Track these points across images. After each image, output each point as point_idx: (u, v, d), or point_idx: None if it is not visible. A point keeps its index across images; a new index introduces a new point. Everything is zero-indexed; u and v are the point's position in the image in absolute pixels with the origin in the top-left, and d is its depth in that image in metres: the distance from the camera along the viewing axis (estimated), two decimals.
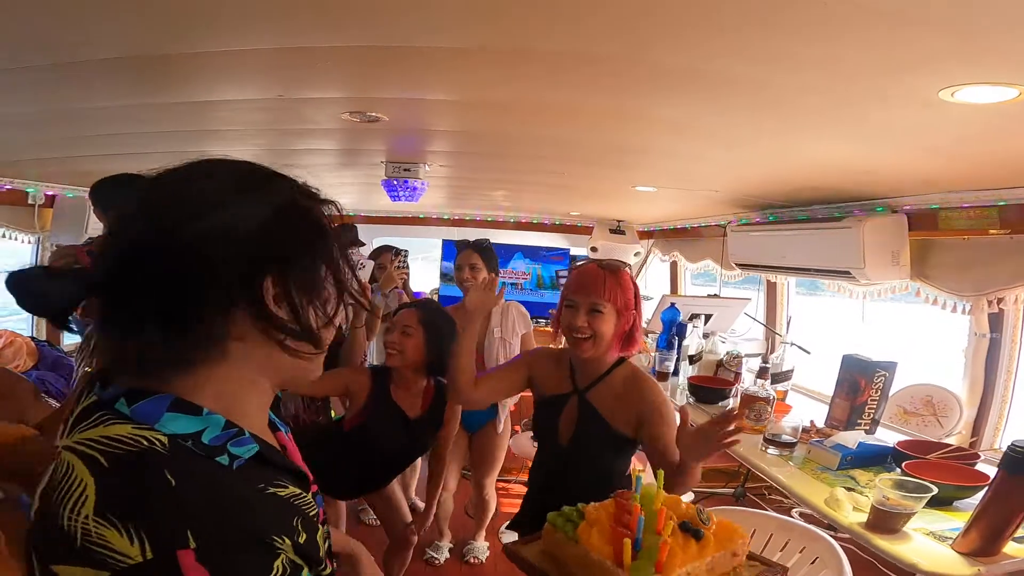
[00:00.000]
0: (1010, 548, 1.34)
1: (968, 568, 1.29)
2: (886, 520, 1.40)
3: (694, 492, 3.51)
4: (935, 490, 1.41)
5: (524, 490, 3.14)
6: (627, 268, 1.60)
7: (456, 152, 2.64)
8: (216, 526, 0.50)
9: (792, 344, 2.82)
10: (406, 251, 2.88)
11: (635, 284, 1.56)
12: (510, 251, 5.23)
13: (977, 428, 2.23)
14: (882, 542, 1.37)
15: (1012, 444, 1.28)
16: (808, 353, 2.85)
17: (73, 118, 1.91)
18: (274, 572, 0.52)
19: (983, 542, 1.31)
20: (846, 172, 2.12)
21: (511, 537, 3.01)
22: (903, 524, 1.40)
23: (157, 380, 0.56)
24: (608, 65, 1.29)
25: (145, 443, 0.51)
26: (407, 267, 2.86)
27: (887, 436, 2.02)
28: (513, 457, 3.24)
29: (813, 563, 1.47)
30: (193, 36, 1.23)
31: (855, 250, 2.37)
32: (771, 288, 3.48)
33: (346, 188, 3.93)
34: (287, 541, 0.54)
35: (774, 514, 1.67)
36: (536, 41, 1.18)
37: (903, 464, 1.67)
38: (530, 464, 3.42)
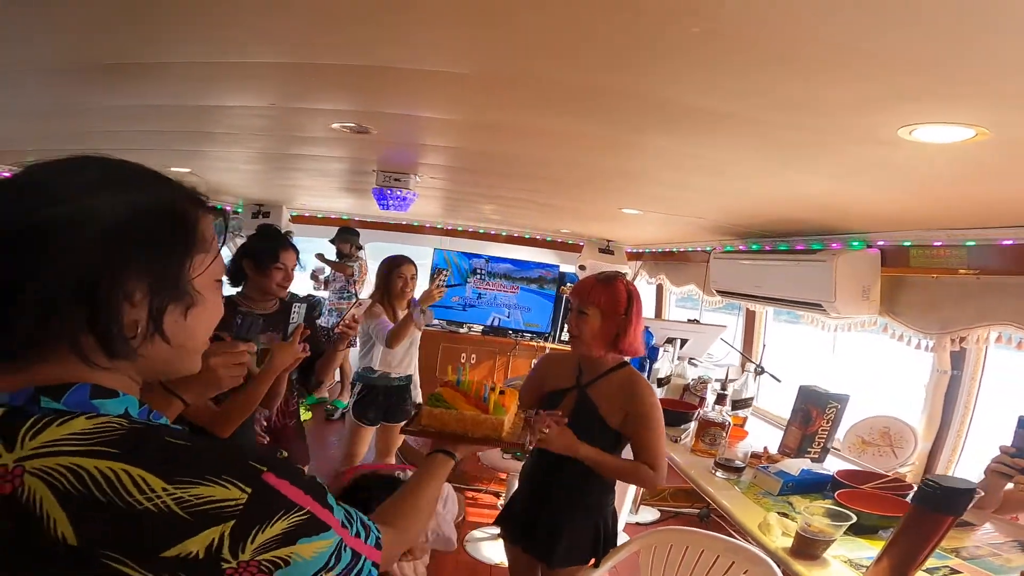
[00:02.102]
0: None
1: None
2: (808, 546, 1.44)
3: (660, 511, 3.56)
4: (853, 518, 1.45)
5: (493, 500, 3.18)
6: (622, 278, 1.77)
7: (447, 166, 2.70)
8: (256, 453, 0.58)
9: (761, 371, 2.87)
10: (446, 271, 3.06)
11: (631, 292, 1.72)
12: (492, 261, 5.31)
13: (931, 461, 2.27)
14: (800, 567, 1.41)
15: (925, 479, 1.31)
16: (779, 381, 2.91)
17: (77, 114, 1.97)
18: (303, 470, 0.62)
19: (892, 572, 1.33)
20: (822, 206, 2.18)
21: (488, 535, 3.04)
22: (823, 551, 1.44)
23: (54, 374, 0.56)
24: (599, 96, 1.36)
25: (117, 425, 0.55)
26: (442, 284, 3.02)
27: (838, 465, 2.07)
28: (483, 468, 3.29)
29: None
30: (194, 48, 1.29)
31: (827, 283, 2.43)
32: (750, 316, 3.55)
33: (340, 193, 4.00)
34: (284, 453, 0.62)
35: (721, 536, 1.71)
36: (529, 71, 1.25)
37: (836, 493, 1.72)
38: (501, 476, 3.49)
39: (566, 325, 1.75)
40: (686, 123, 1.46)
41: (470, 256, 5.25)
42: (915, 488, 1.33)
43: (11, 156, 2.96)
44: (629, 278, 5.25)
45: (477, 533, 3.16)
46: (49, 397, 0.55)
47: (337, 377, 5.29)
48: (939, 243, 2.19)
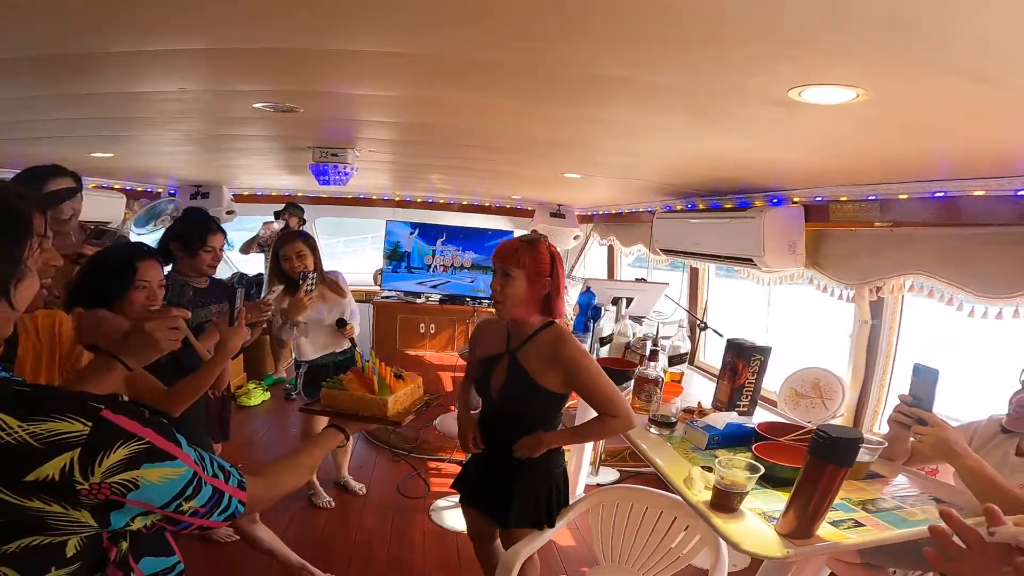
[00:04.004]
0: (824, 531, 1.38)
1: (781, 549, 1.33)
2: (724, 499, 1.47)
3: (619, 471, 3.72)
4: (762, 470, 1.48)
5: (456, 468, 3.29)
6: (545, 240, 1.76)
7: (388, 140, 2.67)
8: (92, 395, 0.71)
9: (704, 326, 3.00)
10: (314, 274, 2.76)
11: (553, 254, 1.74)
12: (438, 231, 5.29)
13: (858, 412, 2.41)
14: (717, 520, 1.44)
15: (817, 428, 1.31)
16: (721, 336, 3.05)
17: None
18: (145, 412, 0.75)
19: (798, 523, 1.35)
20: (741, 164, 2.25)
21: (452, 504, 3.13)
22: (739, 503, 1.47)
23: None
24: (517, 71, 1.38)
25: None
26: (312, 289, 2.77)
27: (767, 419, 2.12)
28: (443, 438, 3.36)
29: (695, 541, 1.61)
30: (106, 38, 1.25)
31: (756, 239, 2.54)
32: (693, 273, 3.68)
33: (281, 170, 3.90)
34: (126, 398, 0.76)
35: (665, 493, 1.79)
36: (454, 50, 1.26)
37: (754, 446, 1.76)
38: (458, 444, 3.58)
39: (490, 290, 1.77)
40: (595, 91, 1.49)
41: (424, 231, 5.21)
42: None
43: None
44: (581, 240, 5.32)
45: (441, 502, 3.25)
46: None
47: (293, 355, 5.26)
48: (854, 199, 2.30)
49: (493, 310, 1.80)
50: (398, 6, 1.03)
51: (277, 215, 4.74)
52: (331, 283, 2.97)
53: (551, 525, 1.80)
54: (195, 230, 2.22)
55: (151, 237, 3.52)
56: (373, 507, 3.22)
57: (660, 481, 3.40)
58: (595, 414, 1.75)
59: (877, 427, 2.44)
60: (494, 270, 1.75)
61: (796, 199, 2.57)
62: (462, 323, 5.51)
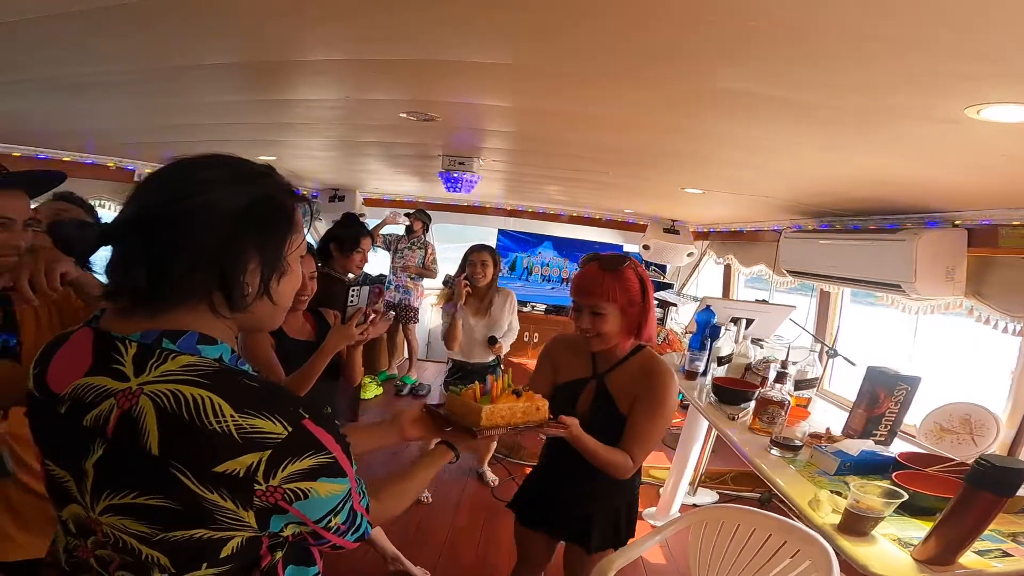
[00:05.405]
0: (967, 559, 1.34)
1: (917, 575, 1.30)
2: (855, 522, 1.42)
3: (719, 494, 3.53)
4: (904, 496, 1.42)
5: None
6: (629, 261, 1.58)
7: (509, 149, 2.77)
8: (304, 402, 0.71)
9: (834, 353, 2.77)
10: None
11: (642, 278, 1.57)
12: (541, 239, 5.34)
13: (1013, 450, 2.14)
14: (844, 542, 1.40)
15: (979, 458, 1.27)
16: (853, 364, 2.80)
17: (174, 110, 2.18)
18: (339, 427, 0.74)
19: (940, 551, 1.32)
20: (899, 185, 2.09)
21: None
22: (872, 528, 1.42)
23: (174, 322, 0.70)
24: (655, 84, 1.38)
25: (210, 365, 0.69)
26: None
27: (907, 449, 1.97)
28: (541, 443, 3.36)
29: (804, 566, 1.51)
30: (284, 48, 1.42)
31: (906, 263, 2.31)
32: (824, 297, 3.41)
33: (408, 177, 4.15)
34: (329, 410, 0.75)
35: (775, 516, 1.70)
36: (583, 62, 1.29)
37: (894, 474, 1.67)
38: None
39: (576, 323, 1.60)
40: (743, 109, 1.46)
41: (531, 244, 5.29)
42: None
43: (118, 151, 3.29)
44: (696, 257, 5.13)
45: None
46: (168, 339, 0.69)
47: (405, 354, 5.53)
48: None
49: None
50: (565, 27, 1.06)
51: (408, 216, 5.07)
52: (490, 302, 3.15)
53: (623, 543, 1.70)
54: (350, 234, 2.59)
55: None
56: (467, 507, 3.30)
57: (762, 506, 3.22)
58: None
59: None
60: (576, 306, 1.57)
61: (958, 222, 2.31)
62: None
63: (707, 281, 5.38)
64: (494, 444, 3.57)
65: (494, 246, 5.26)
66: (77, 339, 0.73)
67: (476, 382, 1.29)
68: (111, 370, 0.68)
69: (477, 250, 3.10)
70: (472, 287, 3.05)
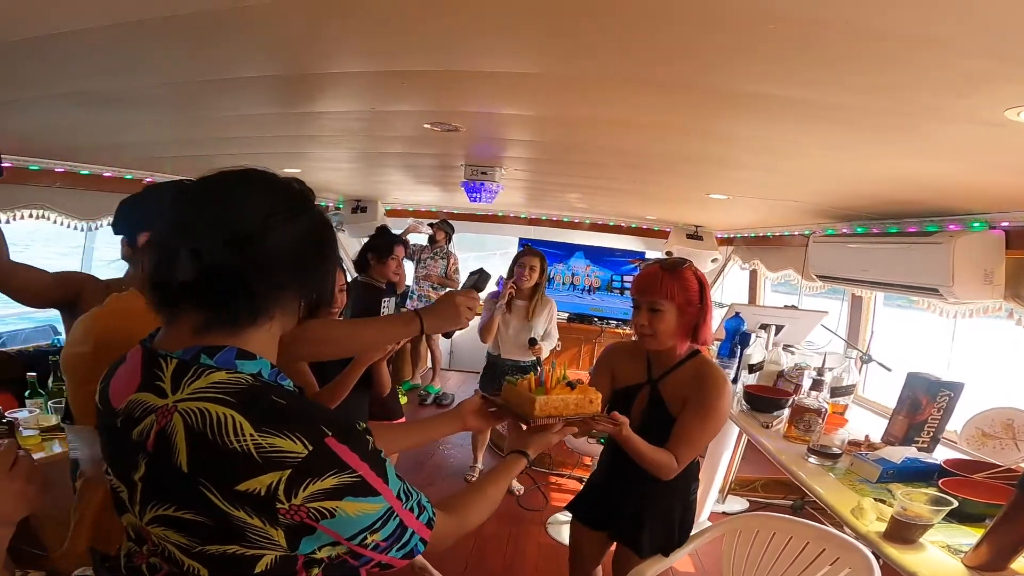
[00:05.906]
0: (1019, 564, 1.31)
1: None
2: (903, 530, 1.41)
3: (749, 501, 3.46)
4: (955, 503, 1.40)
5: (577, 485, 3.22)
6: (689, 264, 1.63)
7: (530, 158, 2.76)
8: (331, 419, 0.70)
9: (868, 359, 2.70)
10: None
11: (700, 280, 1.61)
12: (572, 249, 5.34)
13: None
14: (891, 550, 1.38)
15: None
16: (889, 370, 2.72)
17: (205, 123, 2.22)
18: (370, 443, 0.73)
19: (991, 557, 1.30)
20: (934, 188, 2.03)
21: (565, 520, 3.09)
22: (919, 535, 1.41)
23: (216, 339, 0.72)
24: (677, 88, 1.36)
25: (244, 381, 0.69)
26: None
27: (949, 456, 1.94)
28: (568, 452, 3.35)
29: (844, 574, 1.47)
30: (314, 61, 1.44)
31: (943, 267, 2.25)
32: (856, 301, 3.33)
33: (430, 187, 4.17)
34: (363, 425, 0.75)
35: (812, 523, 1.66)
36: (604, 67, 1.28)
37: (940, 480, 1.65)
38: (586, 461, 3.53)
39: (633, 325, 1.65)
40: (771, 113, 1.43)
41: (555, 249, 5.30)
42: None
43: (152, 164, 3.36)
44: (720, 263, 5.09)
45: (560, 516, 3.23)
46: (207, 355, 0.71)
47: (429, 364, 5.54)
48: None
49: (623, 331, 1.72)
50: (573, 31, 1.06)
51: (431, 226, 5.12)
52: (534, 309, 3.28)
53: (673, 550, 1.71)
54: (384, 242, 2.89)
55: None
56: (493, 516, 3.24)
57: (795, 514, 3.14)
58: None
59: None
60: (635, 304, 1.63)
61: (996, 224, 2.24)
62: (588, 342, 5.47)
63: (732, 287, 5.30)
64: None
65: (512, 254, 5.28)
66: (132, 356, 0.77)
67: (531, 373, 1.31)
68: (154, 387, 0.70)
69: (528, 253, 3.26)
70: (516, 288, 3.18)
